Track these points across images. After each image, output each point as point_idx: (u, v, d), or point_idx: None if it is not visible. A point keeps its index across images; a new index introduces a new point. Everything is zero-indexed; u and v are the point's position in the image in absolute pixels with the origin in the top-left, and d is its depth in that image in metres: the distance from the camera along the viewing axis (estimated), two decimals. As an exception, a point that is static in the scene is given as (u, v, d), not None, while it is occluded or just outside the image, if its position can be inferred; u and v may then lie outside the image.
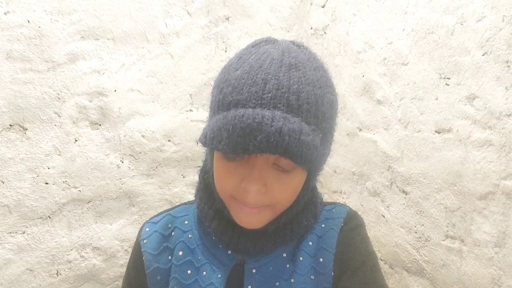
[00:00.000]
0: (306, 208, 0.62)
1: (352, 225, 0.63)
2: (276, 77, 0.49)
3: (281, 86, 0.48)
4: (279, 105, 0.48)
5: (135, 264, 0.66)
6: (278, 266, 0.60)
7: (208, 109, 0.58)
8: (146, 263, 0.64)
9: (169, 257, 0.64)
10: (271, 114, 0.46)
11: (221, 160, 0.53)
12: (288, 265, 0.61)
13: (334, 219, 0.64)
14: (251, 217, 0.54)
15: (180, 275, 0.62)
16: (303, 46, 0.57)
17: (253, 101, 0.48)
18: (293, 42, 0.58)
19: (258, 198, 0.51)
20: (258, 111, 0.46)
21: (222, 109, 0.51)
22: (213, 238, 0.62)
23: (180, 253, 0.63)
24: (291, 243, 0.62)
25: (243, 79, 0.50)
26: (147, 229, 0.66)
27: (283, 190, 0.53)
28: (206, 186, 0.63)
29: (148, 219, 0.70)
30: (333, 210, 0.66)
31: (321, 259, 0.60)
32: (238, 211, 0.54)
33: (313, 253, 0.61)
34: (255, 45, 0.56)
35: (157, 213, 0.70)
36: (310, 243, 0.62)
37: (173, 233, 0.66)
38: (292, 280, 0.59)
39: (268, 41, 0.57)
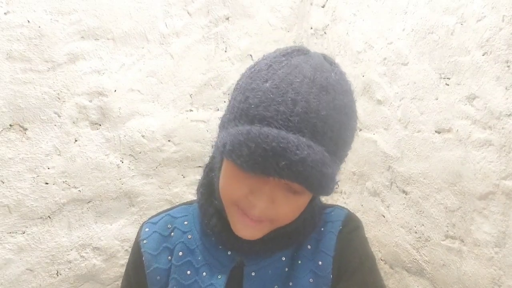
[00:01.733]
0: (305, 220, 0.62)
1: (350, 227, 0.63)
2: (306, 99, 0.47)
3: (310, 110, 0.47)
4: (305, 130, 0.46)
5: (135, 264, 0.66)
6: (277, 269, 0.60)
7: (225, 111, 0.56)
8: (146, 263, 0.64)
9: (169, 257, 0.64)
10: (296, 140, 0.45)
11: (232, 167, 0.51)
12: (287, 269, 0.61)
13: (332, 222, 0.64)
14: (249, 229, 0.53)
15: (180, 275, 0.62)
16: (334, 64, 0.55)
17: (280, 121, 0.46)
18: (324, 57, 0.55)
19: (263, 212, 0.51)
20: (284, 135, 0.45)
21: (246, 121, 0.49)
22: (213, 239, 0.62)
23: (180, 253, 0.63)
24: (290, 248, 0.62)
25: (272, 94, 0.48)
26: (146, 229, 0.66)
27: (289, 209, 0.53)
28: (209, 183, 0.63)
29: (147, 219, 0.69)
30: (332, 213, 0.66)
31: (320, 262, 0.61)
32: (237, 221, 0.54)
33: (311, 256, 0.61)
34: (286, 54, 0.54)
35: (156, 213, 0.70)
36: (309, 246, 0.62)
37: (172, 233, 0.66)
38: (291, 283, 0.60)
39: (300, 51, 0.55)
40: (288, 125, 0.46)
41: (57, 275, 1.36)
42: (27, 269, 1.30)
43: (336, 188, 0.54)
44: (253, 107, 0.48)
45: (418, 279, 1.23)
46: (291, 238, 0.60)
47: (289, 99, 0.47)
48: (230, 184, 0.53)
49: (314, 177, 0.45)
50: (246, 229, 0.54)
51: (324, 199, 0.70)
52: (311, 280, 0.60)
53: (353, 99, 0.54)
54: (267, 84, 0.49)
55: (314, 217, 0.63)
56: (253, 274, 0.60)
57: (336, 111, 0.49)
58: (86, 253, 1.40)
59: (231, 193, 0.53)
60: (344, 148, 0.52)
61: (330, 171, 0.47)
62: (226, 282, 0.60)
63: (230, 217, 0.56)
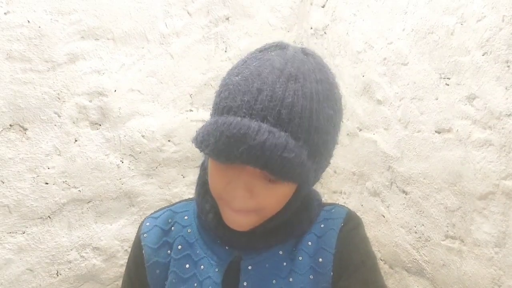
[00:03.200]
0: (299, 213, 0.62)
1: (351, 225, 0.63)
2: (272, 88, 0.48)
3: (274, 98, 0.48)
4: (268, 117, 0.48)
5: (135, 258, 0.67)
6: (274, 263, 0.61)
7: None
8: (145, 256, 0.65)
9: (168, 251, 0.65)
10: (257, 126, 0.46)
11: (211, 160, 0.55)
12: (285, 263, 0.61)
13: (333, 219, 0.64)
14: (237, 219, 0.55)
15: (179, 268, 0.63)
16: (311, 55, 0.55)
17: (244, 110, 0.48)
18: (302, 50, 0.56)
19: (242, 203, 0.52)
20: (246, 122, 0.46)
21: (216, 113, 0.52)
22: (211, 233, 0.63)
23: (179, 247, 0.64)
24: (287, 242, 0.62)
25: (240, 86, 0.50)
26: (147, 224, 0.67)
27: (269, 198, 0.53)
28: (203, 181, 0.64)
29: (149, 214, 0.70)
30: (332, 210, 0.66)
31: (320, 259, 0.61)
32: (226, 213, 0.56)
33: (312, 253, 0.61)
34: (263, 50, 0.56)
35: (158, 209, 0.71)
36: (309, 243, 0.62)
37: (173, 228, 0.67)
38: (291, 279, 0.60)
39: (278, 46, 0.56)
40: (252, 113, 0.48)
41: (57, 275, 1.36)
42: (27, 269, 1.30)
43: (315, 178, 0.55)
44: (223, 99, 0.51)
45: (418, 279, 1.23)
46: (286, 231, 0.61)
47: (255, 88, 0.49)
48: (213, 177, 0.55)
49: (274, 161, 0.46)
50: (234, 221, 0.55)
51: (324, 199, 0.70)
52: (311, 277, 0.60)
53: (331, 88, 0.54)
54: (238, 78, 0.51)
55: (311, 211, 0.63)
56: (249, 268, 0.60)
57: (306, 98, 0.49)
58: (86, 253, 1.40)
59: (215, 186, 0.55)
60: (319, 135, 0.51)
61: (292, 155, 0.47)
62: (223, 276, 0.60)
63: (221, 210, 0.57)
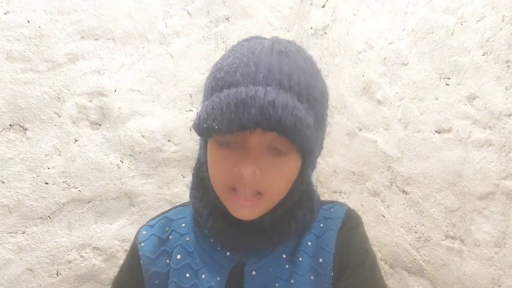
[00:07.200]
0: (302, 201, 0.61)
1: (351, 224, 0.63)
2: (268, 61, 0.50)
3: (272, 68, 0.50)
4: (272, 84, 0.49)
5: (131, 267, 0.65)
6: (277, 267, 0.60)
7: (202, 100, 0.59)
8: (144, 267, 0.63)
9: (167, 260, 0.63)
10: (264, 89, 0.47)
11: (214, 149, 0.53)
12: (287, 266, 0.60)
13: (332, 219, 0.64)
14: (246, 208, 0.54)
15: (179, 278, 0.61)
16: (292, 41, 0.59)
17: (246, 80, 0.49)
18: (282, 39, 0.60)
19: (253, 180, 0.51)
20: (251, 87, 0.47)
21: (214, 92, 0.51)
22: (211, 240, 0.62)
23: (178, 256, 0.63)
24: (289, 241, 0.62)
25: (235, 63, 0.51)
26: (144, 232, 0.66)
27: (278, 174, 0.53)
28: (199, 183, 0.63)
29: (145, 222, 0.69)
30: (332, 209, 0.65)
31: (320, 259, 0.60)
32: (233, 204, 0.54)
33: (312, 254, 0.61)
34: (247, 40, 0.58)
35: (153, 217, 0.70)
36: (309, 243, 0.62)
37: (170, 236, 0.65)
38: (292, 281, 0.59)
39: (259, 37, 0.59)
40: (255, 81, 0.49)
41: (57, 275, 1.36)
42: (27, 269, 1.30)
43: (318, 152, 0.56)
44: (220, 79, 0.51)
45: (418, 279, 1.22)
46: (290, 226, 0.60)
47: (252, 62, 0.50)
48: (216, 165, 0.54)
49: (287, 119, 0.46)
50: (242, 210, 0.54)
51: (324, 199, 0.69)
52: (312, 277, 0.60)
53: (316, 67, 0.57)
54: (230, 58, 0.53)
55: (313, 202, 0.63)
56: (253, 273, 0.59)
57: (300, 70, 0.52)
58: (86, 253, 1.40)
59: (220, 174, 0.54)
60: (317, 106, 0.53)
61: (303, 114, 0.48)
62: (225, 284, 0.59)
63: (226, 204, 0.56)
